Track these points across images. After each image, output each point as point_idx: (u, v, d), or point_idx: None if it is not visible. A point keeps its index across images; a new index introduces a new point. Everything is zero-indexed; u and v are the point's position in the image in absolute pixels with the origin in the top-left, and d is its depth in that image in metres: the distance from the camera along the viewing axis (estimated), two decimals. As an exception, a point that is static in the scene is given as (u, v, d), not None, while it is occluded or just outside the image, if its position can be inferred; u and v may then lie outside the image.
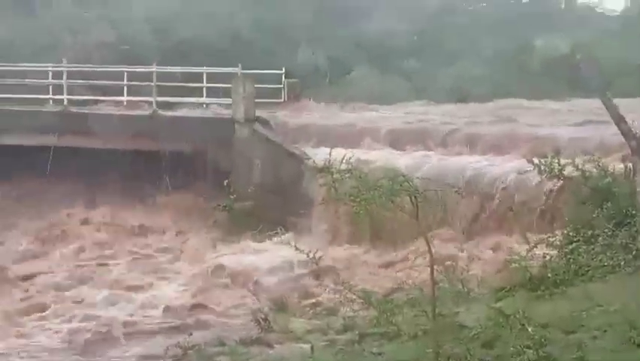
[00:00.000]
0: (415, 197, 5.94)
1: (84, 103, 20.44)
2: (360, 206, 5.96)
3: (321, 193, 11.75)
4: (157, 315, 12.15)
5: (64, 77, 20.16)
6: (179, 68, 21.13)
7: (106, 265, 15.62)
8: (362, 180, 6.10)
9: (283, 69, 21.97)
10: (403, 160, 15.17)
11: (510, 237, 12.46)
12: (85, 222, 18.15)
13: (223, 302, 12.26)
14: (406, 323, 6.52)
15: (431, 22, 31.42)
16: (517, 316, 5.75)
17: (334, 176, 6.23)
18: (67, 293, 13.76)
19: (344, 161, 6.36)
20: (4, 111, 19.89)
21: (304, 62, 26.93)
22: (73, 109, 19.86)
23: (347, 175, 6.20)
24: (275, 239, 15.32)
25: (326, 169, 6.33)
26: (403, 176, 6.01)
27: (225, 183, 17.34)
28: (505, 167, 14.13)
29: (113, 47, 23.23)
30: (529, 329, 5.67)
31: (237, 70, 19.36)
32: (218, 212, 17.25)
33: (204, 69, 20.42)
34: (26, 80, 20.82)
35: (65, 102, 20.01)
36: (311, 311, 9.71)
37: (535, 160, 9.40)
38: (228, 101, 18.78)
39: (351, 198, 6.03)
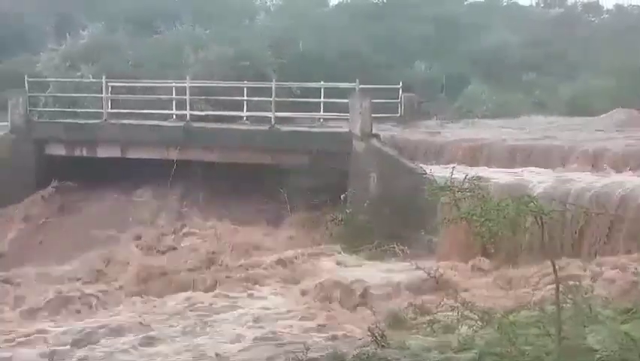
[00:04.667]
0: (541, 217, 5.84)
1: (205, 118, 20.99)
2: (483, 226, 5.91)
3: (440, 210, 11.73)
4: (272, 328, 12.30)
5: (187, 92, 20.74)
6: (297, 83, 21.42)
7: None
8: (484, 199, 6.05)
9: (400, 83, 21.95)
10: (526, 178, 14.94)
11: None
12: (212, 234, 18.57)
13: (339, 317, 12.31)
14: (528, 344, 6.39)
15: (551, 35, 30.81)
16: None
17: (456, 195, 6.19)
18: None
19: (465, 179, 6.32)
20: (130, 126, 20.77)
21: (420, 76, 26.92)
22: (195, 124, 20.44)
23: (469, 194, 6.16)
24: (391, 254, 15.29)
25: (447, 187, 6.31)
26: (528, 196, 5.93)
27: (342, 197, 17.50)
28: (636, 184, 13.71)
29: (232, 63, 23.77)
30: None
31: (355, 85, 19.48)
32: (335, 226, 17.37)
33: (322, 84, 20.66)
34: (152, 95, 21.57)
35: (188, 117, 20.60)
36: (428, 328, 9.60)
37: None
38: (345, 116, 18.92)
39: (474, 218, 5.98)
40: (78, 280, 16.26)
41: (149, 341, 11.90)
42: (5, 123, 21.60)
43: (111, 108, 21.33)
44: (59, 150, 21.33)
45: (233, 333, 12.09)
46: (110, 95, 21.41)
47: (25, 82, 21.84)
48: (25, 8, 30.28)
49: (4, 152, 21.01)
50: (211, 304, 13.76)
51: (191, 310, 13.48)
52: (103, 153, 20.97)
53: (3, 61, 27.07)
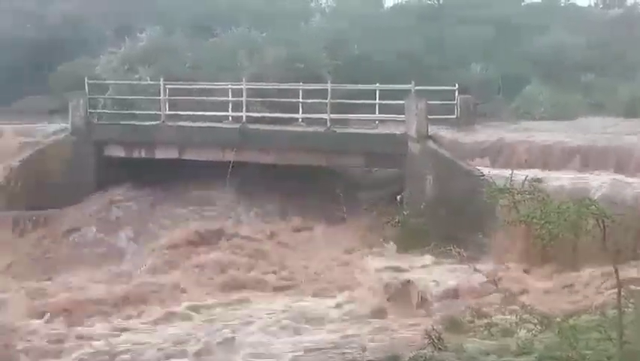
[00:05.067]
0: (602, 220, 5.77)
1: (261, 120, 21.12)
2: (544, 229, 5.86)
3: (498, 213, 11.63)
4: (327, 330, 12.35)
5: (244, 94, 20.90)
6: (352, 85, 21.42)
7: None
8: (545, 202, 5.99)
9: (456, 85, 21.80)
10: (585, 180, 14.74)
11: None
12: (270, 236, 18.76)
13: (395, 319, 12.30)
14: (589, 348, 6.31)
15: (610, 35, 30.30)
16: None
17: (516, 197, 6.15)
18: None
19: (525, 181, 6.28)
20: (187, 127, 21.02)
21: (476, 77, 26.70)
22: (251, 125, 20.59)
23: (529, 197, 6.11)
24: (447, 256, 15.18)
25: (506, 189, 6.26)
26: (589, 199, 5.86)
27: (398, 199, 17.47)
28: None
29: (288, 65, 23.87)
30: None
31: (410, 86, 19.41)
32: (390, 228, 17.34)
33: (377, 86, 20.64)
34: (208, 97, 21.77)
35: (244, 119, 20.76)
36: (485, 332, 9.53)
37: None
38: (401, 117, 18.88)
39: (534, 221, 5.93)
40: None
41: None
42: (66, 125, 22.08)
43: (168, 110, 21.60)
44: (118, 152, 21.69)
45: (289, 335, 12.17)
46: (167, 97, 21.68)
47: (86, 84, 22.26)
48: (86, 13, 30.85)
49: (65, 153, 21.45)
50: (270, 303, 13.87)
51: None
52: (161, 154, 21.25)
53: (65, 64, 27.59)
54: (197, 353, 11.77)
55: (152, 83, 22.62)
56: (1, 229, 19.92)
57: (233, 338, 12.29)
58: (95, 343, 12.56)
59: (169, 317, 13.96)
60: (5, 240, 19.46)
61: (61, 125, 22.64)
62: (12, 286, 16.22)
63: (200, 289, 15.71)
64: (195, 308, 14.44)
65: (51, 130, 22.67)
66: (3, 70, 29.19)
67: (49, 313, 13.99)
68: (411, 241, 16.58)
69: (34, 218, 20.26)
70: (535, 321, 6.55)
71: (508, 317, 10.42)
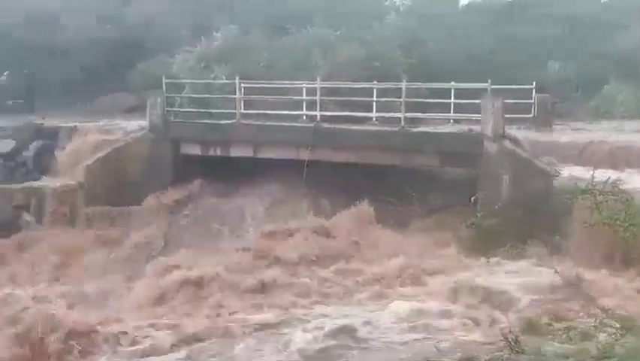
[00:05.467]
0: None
1: (334, 118, 21.15)
2: (628, 232, 5.72)
3: (578, 214, 11.39)
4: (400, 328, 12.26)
5: (318, 93, 20.96)
6: (427, 84, 21.26)
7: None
8: (629, 203, 5.85)
9: (534, 84, 21.43)
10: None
11: None
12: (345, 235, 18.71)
13: (471, 320, 12.15)
14: (675, 354, 6.13)
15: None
16: None
17: (597, 198, 6.03)
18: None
19: (607, 182, 6.15)
20: (262, 126, 21.20)
21: (553, 76, 26.21)
22: (325, 124, 20.64)
23: (611, 198, 5.98)
24: (523, 258, 14.94)
25: (588, 191, 6.14)
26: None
27: (472, 200, 17.26)
28: None
29: (363, 64, 23.83)
30: None
31: (486, 85, 19.18)
32: (464, 228, 17.14)
33: (452, 85, 20.44)
34: (283, 96, 21.91)
35: (318, 118, 20.82)
36: (564, 335, 9.34)
37: None
38: (476, 116, 18.67)
39: (617, 223, 5.80)
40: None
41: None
42: (144, 122, 22.54)
43: (244, 109, 21.82)
44: (194, 150, 22.03)
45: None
46: (242, 95, 21.90)
47: (163, 83, 22.67)
48: (164, 12, 31.41)
49: (143, 151, 21.90)
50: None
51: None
52: (236, 152, 21.51)
53: (143, 63, 28.16)
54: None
55: (227, 81, 22.87)
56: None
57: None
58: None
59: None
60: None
61: (140, 123, 23.13)
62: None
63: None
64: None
65: (130, 128, 23.17)
66: (84, 69, 30.06)
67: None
68: (485, 242, 16.27)
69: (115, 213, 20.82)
70: (617, 325, 6.40)
71: (588, 320, 10.22)
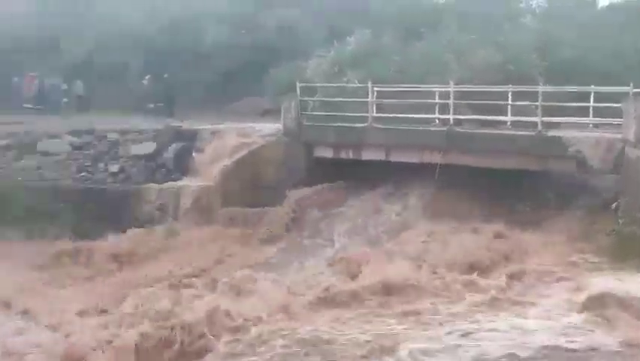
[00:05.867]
0: None
1: (467, 122, 20.92)
2: None
3: None
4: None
5: (451, 97, 20.79)
6: (565, 87, 20.67)
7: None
8: None
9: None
10: None
11: None
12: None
13: (615, 331, 11.79)
14: None
15: None
16: None
17: None
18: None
19: None
20: (394, 130, 21.22)
21: None
22: (458, 128, 20.46)
23: None
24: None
25: None
26: None
27: (613, 207, 16.73)
28: None
29: (497, 67, 23.46)
30: None
31: (629, 89, 18.49)
32: (604, 237, 16.66)
33: (592, 88, 19.83)
34: (415, 100, 21.83)
35: (451, 121, 20.66)
36: None
37: None
38: (617, 121, 18.05)
39: None
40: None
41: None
42: (279, 125, 23.00)
43: (376, 113, 21.92)
44: (327, 153, 22.31)
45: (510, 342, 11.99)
46: (374, 99, 22.00)
47: (297, 87, 23.05)
48: (299, 17, 31.98)
49: (277, 154, 22.36)
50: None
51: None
52: (367, 155, 21.64)
53: (278, 67, 28.70)
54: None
55: (360, 85, 23.01)
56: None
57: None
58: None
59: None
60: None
61: (274, 126, 23.62)
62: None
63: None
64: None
65: (265, 131, 23.70)
66: (220, 74, 30.98)
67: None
68: (627, 250, 15.80)
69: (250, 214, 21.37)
70: None
71: None
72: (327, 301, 14.64)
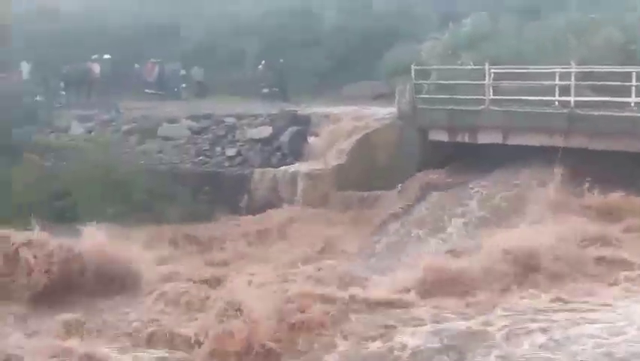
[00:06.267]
0: None
1: (589, 104, 20.27)
2: None
3: None
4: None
5: (572, 78, 20.19)
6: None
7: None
8: None
9: None
10: None
11: None
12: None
13: None
14: None
15: None
16: None
17: None
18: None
19: None
20: (512, 112, 20.80)
21: None
22: (579, 110, 19.87)
23: None
24: None
25: None
26: None
27: None
28: None
29: (619, 47, 22.62)
30: None
31: None
32: None
33: None
34: (533, 81, 21.32)
35: (572, 103, 20.07)
36: None
37: None
38: None
39: None
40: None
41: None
42: (393, 109, 22.91)
43: (492, 95, 21.53)
44: (442, 136, 22.07)
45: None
46: (491, 81, 21.60)
47: (412, 70, 22.88)
48: (413, 2, 31.78)
49: (392, 137, 22.30)
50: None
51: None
52: (484, 139, 21.28)
53: (392, 50, 28.57)
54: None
55: (476, 67, 22.64)
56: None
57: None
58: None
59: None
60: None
61: (388, 110, 23.55)
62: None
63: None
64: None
65: (379, 115, 23.67)
66: (335, 57, 31.12)
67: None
68: None
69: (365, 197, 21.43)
70: None
71: None
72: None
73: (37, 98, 29.18)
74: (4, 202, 21.17)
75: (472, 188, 20.41)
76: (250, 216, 22.07)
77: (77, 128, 27.29)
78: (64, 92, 31.13)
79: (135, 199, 22.21)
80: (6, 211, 19.77)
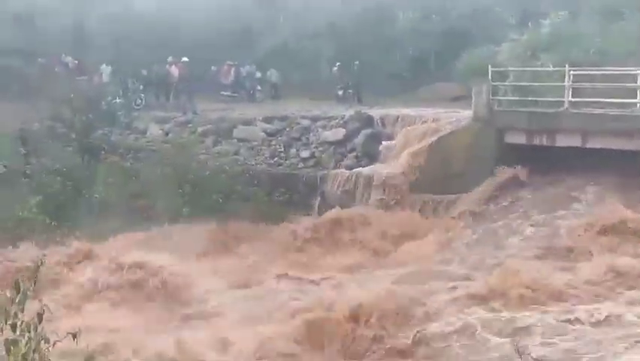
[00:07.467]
0: None
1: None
2: None
3: None
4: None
5: (657, 80, 19.59)
6: None
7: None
8: None
9: None
10: None
11: None
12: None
13: None
14: None
15: None
16: None
17: None
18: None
19: None
20: (592, 115, 20.27)
21: None
22: (661, 113, 19.27)
23: None
24: None
25: None
26: None
27: None
28: None
29: None
30: None
31: None
32: None
33: None
34: (615, 83, 20.74)
35: (654, 106, 19.49)
36: None
37: None
38: None
39: None
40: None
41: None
42: (469, 112, 22.58)
43: (572, 97, 21.02)
44: (519, 139, 21.61)
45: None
46: (571, 83, 21.09)
47: (489, 72, 22.51)
48: (489, 1, 31.32)
49: (468, 139, 21.93)
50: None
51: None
52: (562, 141, 20.79)
53: (469, 52, 28.21)
54: None
55: (555, 69, 22.14)
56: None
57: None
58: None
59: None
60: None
61: (465, 112, 23.23)
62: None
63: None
64: None
65: (455, 117, 23.37)
66: (411, 59, 30.90)
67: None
68: None
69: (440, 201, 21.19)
70: None
71: None
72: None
73: (117, 100, 29.75)
74: (89, 201, 21.79)
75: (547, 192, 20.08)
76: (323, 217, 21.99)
77: (155, 130, 27.80)
78: (143, 95, 31.68)
79: (211, 200, 22.47)
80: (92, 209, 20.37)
